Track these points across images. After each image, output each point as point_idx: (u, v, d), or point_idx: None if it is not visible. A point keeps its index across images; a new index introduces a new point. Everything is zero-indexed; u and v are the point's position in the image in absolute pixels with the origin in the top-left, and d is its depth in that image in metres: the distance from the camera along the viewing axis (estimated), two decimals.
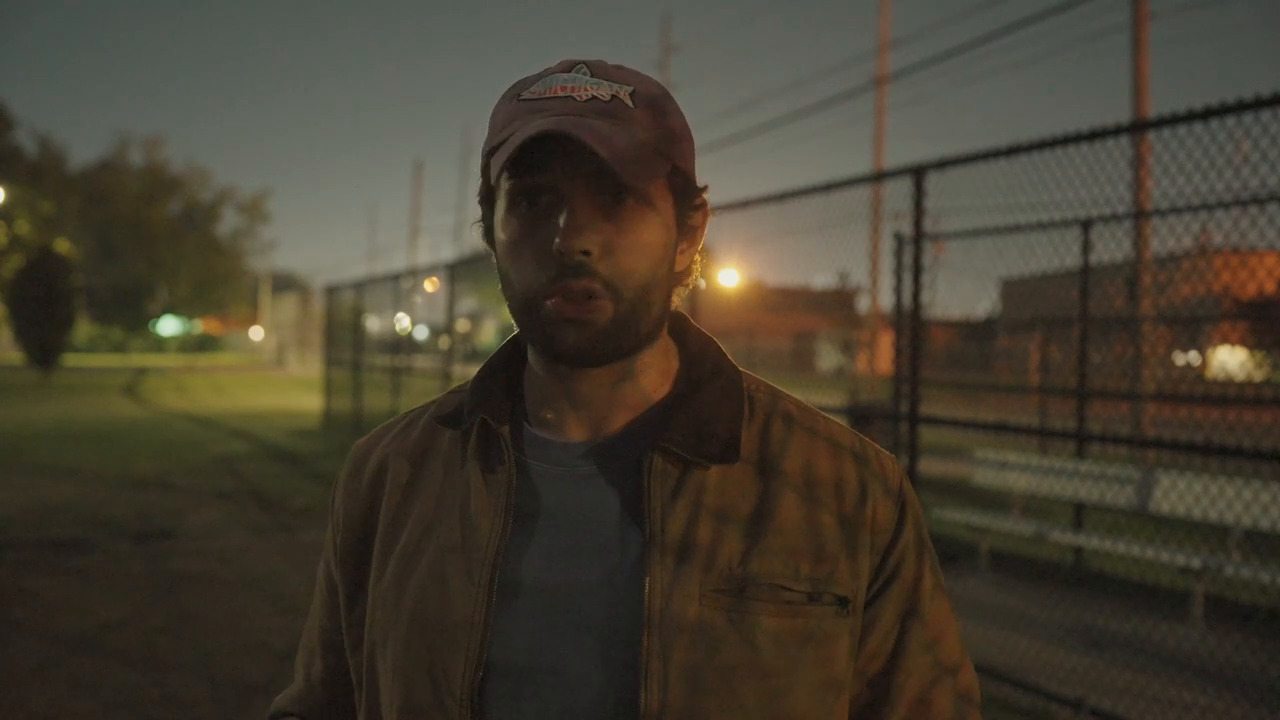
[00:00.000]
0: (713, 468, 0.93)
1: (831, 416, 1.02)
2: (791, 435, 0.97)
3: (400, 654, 0.95)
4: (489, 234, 0.97)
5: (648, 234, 0.91)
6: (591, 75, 0.92)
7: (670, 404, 0.97)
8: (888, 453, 1.01)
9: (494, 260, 0.97)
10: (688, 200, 0.96)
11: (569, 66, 0.93)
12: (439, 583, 0.94)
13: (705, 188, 0.98)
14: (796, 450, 0.96)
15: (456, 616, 0.92)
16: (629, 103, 0.90)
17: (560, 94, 0.90)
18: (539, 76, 0.94)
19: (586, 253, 0.88)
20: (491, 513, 0.95)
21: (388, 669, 0.96)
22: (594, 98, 0.90)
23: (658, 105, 0.92)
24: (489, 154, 0.94)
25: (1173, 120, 3.79)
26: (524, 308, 0.92)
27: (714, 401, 0.96)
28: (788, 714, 0.89)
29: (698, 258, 1.00)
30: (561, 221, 0.88)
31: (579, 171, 0.88)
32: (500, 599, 0.92)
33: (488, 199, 0.97)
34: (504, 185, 0.92)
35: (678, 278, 0.98)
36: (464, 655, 0.91)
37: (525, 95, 0.92)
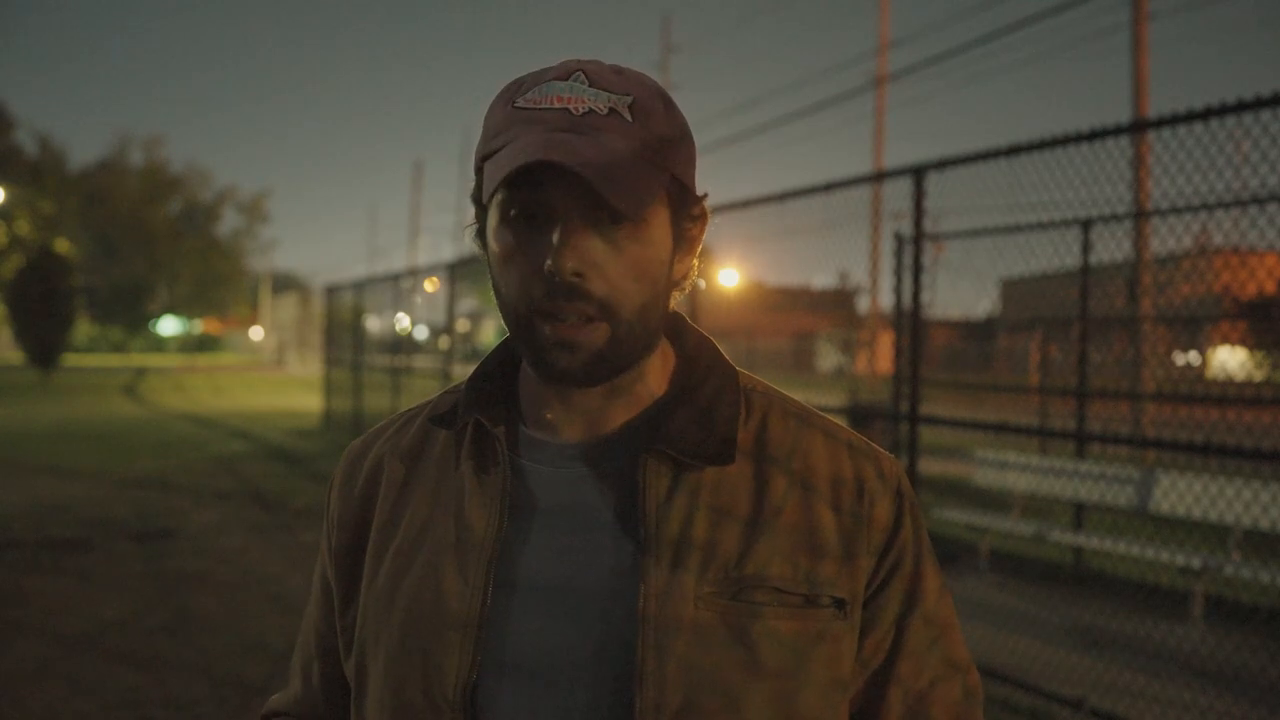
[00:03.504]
0: (709, 468, 0.93)
1: (829, 416, 1.02)
2: (788, 433, 0.97)
3: (392, 654, 0.94)
4: (482, 234, 0.96)
5: (645, 253, 0.89)
6: (589, 84, 0.88)
7: (667, 404, 0.97)
8: (885, 451, 1.01)
9: (487, 262, 0.96)
10: (685, 211, 0.94)
11: (566, 73, 0.89)
12: (433, 582, 0.94)
13: (704, 196, 0.96)
14: (794, 448, 0.96)
15: (451, 616, 0.92)
16: (628, 116, 0.87)
17: (556, 105, 0.87)
18: (535, 81, 0.91)
19: (579, 274, 0.86)
20: (487, 512, 0.94)
21: (379, 670, 0.95)
22: (591, 111, 0.87)
23: (657, 115, 0.89)
24: (482, 159, 0.92)
25: (1173, 120, 3.79)
26: (516, 324, 0.91)
27: (710, 401, 0.96)
28: (797, 715, 0.89)
29: (695, 262, 0.99)
30: (555, 239, 0.86)
31: (574, 192, 0.86)
32: (495, 599, 0.92)
33: (480, 201, 0.95)
34: (498, 196, 0.90)
35: (674, 284, 0.97)
36: (458, 655, 0.90)
37: (520, 102, 0.89)
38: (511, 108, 0.90)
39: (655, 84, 0.93)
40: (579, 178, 0.84)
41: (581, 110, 0.87)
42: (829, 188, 5.62)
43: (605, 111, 0.87)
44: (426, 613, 0.93)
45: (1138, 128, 4.26)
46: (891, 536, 0.96)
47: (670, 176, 0.90)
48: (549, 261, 0.86)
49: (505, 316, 0.92)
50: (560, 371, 0.89)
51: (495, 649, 0.91)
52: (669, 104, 0.92)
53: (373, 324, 17.46)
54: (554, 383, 0.93)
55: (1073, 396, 7.48)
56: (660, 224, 0.91)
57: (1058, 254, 6.45)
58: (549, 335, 0.88)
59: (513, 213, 0.89)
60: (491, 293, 0.95)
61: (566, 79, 0.89)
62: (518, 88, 0.91)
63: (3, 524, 8.15)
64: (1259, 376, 8.59)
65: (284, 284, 78.90)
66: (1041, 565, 6.79)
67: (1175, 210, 5.61)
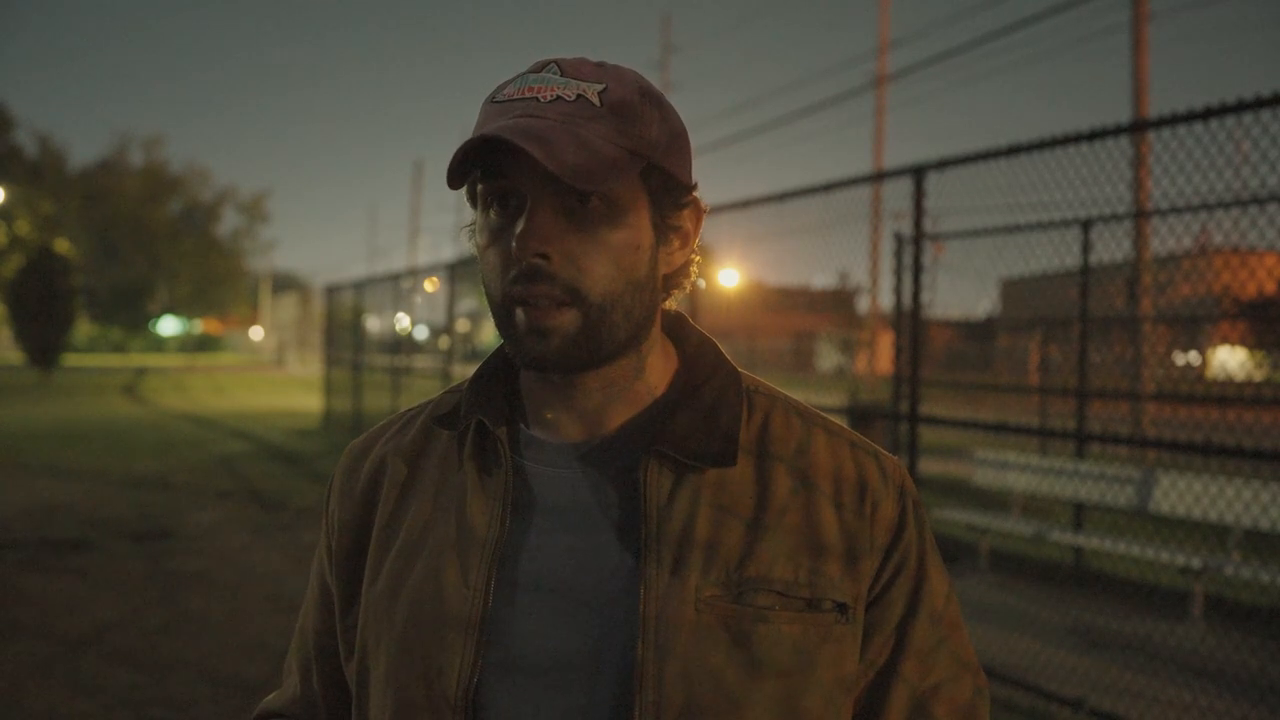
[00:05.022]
0: (711, 468, 0.92)
1: (830, 418, 1.01)
2: (791, 432, 0.97)
3: (394, 657, 0.94)
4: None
5: (614, 236, 0.89)
6: (561, 74, 0.89)
7: (669, 404, 0.96)
8: (888, 452, 1.00)
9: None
10: (669, 200, 0.93)
11: (541, 66, 0.91)
12: (435, 584, 0.93)
13: (694, 187, 0.96)
14: (796, 447, 0.96)
15: (452, 617, 0.91)
16: (595, 102, 0.88)
17: (526, 95, 0.88)
18: (515, 78, 0.92)
19: (544, 256, 0.86)
20: (488, 514, 0.94)
21: (380, 673, 0.95)
22: (558, 98, 0.87)
23: (631, 104, 0.89)
24: None
25: (1173, 120, 3.79)
26: (495, 313, 0.91)
27: (713, 402, 0.95)
28: (800, 717, 0.89)
29: (695, 258, 0.98)
30: (520, 223, 0.87)
31: (539, 175, 0.86)
32: (497, 600, 0.92)
33: (472, 201, 0.96)
34: (478, 190, 0.91)
35: (670, 279, 0.97)
36: (459, 656, 0.90)
37: (498, 97, 0.90)
38: (491, 103, 0.91)
39: (638, 78, 0.93)
40: (539, 164, 0.84)
41: (549, 98, 0.88)
42: (829, 188, 5.62)
43: (573, 98, 0.88)
44: (428, 613, 0.93)
45: (1138, 128, 4.26)
46: (895, 536, 0.95)
47: (648, 163, 0.90)
48: (513, 244, 0.87)
49: (490, 308, 0.92)
50: (535, 358, 0.89)
51: (497, 650, 0.91)
52: (650, 95, 0.92)
53: (373, 324, 17.48)
54: (532, 369, 0.93)
55: (1073, 396, 7.48)
56: (637, 210, 0.90)
57: (1058, 254, 6.45)
58: (522, 321, 0.88)
59: (490, 203, 0.90)
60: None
61: (540, 71, 0.91)
62: (500, 86, 0.92)
63: (3, 524, 8.15)
64: (1259, 376, 8.60)
65: (284, 284, 78.97)
66: (1041, 565, 6.79)
67: (1175, 210, 5.61)
